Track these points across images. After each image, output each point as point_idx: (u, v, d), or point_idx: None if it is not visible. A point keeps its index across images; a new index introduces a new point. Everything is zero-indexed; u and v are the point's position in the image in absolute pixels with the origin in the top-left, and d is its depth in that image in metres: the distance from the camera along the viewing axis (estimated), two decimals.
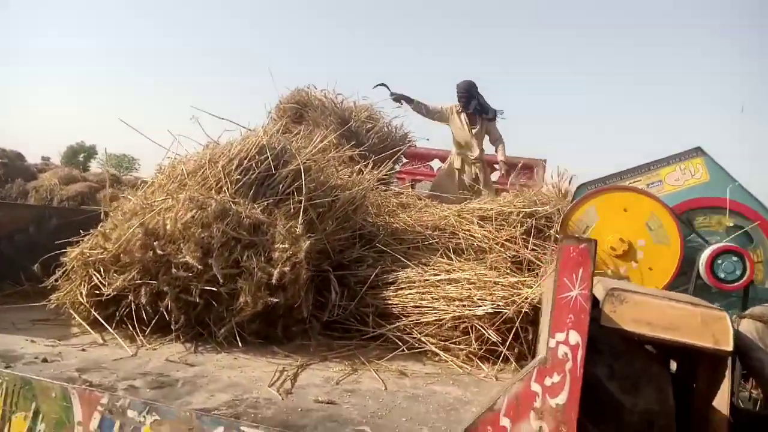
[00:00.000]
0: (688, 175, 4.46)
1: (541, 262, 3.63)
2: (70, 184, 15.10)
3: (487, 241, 3.73)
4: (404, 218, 3.94)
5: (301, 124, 4.65)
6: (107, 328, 2.40)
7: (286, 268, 2.49)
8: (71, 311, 2.49)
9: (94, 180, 16.06)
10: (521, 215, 3.94)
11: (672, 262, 3.87)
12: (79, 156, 32.71)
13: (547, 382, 1.43)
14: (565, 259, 1.46)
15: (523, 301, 2.74)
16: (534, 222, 3.90)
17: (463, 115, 6.07)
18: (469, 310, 2.75)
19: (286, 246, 2.57)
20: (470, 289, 2.90)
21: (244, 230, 2.58)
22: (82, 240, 2.67)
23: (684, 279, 4.23)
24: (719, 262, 3.87)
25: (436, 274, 3.11)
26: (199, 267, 2.36)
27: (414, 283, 3.07)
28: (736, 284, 3.85)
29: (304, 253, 2.58)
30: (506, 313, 2.71)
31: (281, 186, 3.09)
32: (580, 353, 1.42)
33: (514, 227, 3.87)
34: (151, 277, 2.39)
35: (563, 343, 1.43)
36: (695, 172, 4.45)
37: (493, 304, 2.74)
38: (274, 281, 2.41)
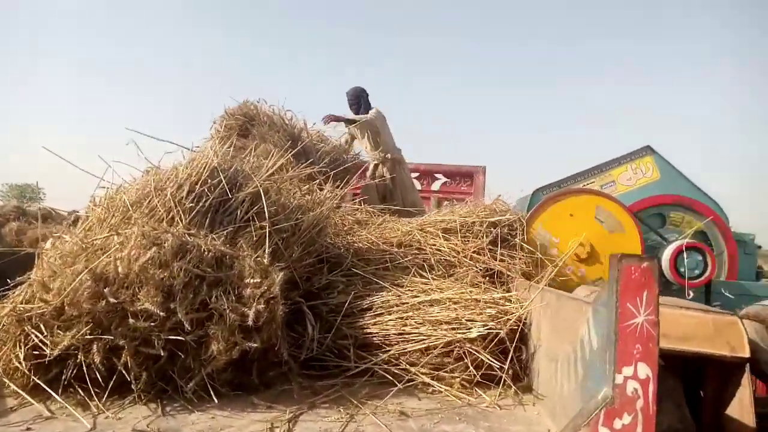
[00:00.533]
0: (640, 174, 4.50)
1: (511, 273, 3.50)
2: None
3: (455, 254, 3.56)
4: (366, 236, 3.71)
5: (246, 139, 4.33)
6: (53, 396, 2.01)
7: (261, 306, 2.19)
8: (5, 379, 2.08)
9: None
10: (485, 225, 3.80)
11: (635, 248, 3.84)
12: None
13: (617, 424, 1.25)
14: (626, 281, 1.28)
15: (516, 320, 2.58)
16: (499, 231, 3.77)
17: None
18: (461, 333, 2.55)
19: (258, 280, 2.27)
20: (456, 310, 2.70)
21: (207, 266, 2.27)
22: (10, 291, 2.27)
23: None
24: (682, 259, 3.88)
25: (415, 296, 2.90)
26: (161, 314, 2.03)
27: (393, 307, 2.84)
28: (699, 280, 3.87)
29: (278, 287, 2.30)
30: (499, 333, 2.53)
31: (239, 212, 2.79)
32: (652, 388, 1.24)
33: (479, 238, 3.72)
34: (104, 331, 2.03)
35: (632, 378, 1.26)
36: (646, 170, 4.49)
37: (484, 325, 2.56)
38: (250, 322, 2.12)
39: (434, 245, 3.64)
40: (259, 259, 2.43)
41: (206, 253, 2.31)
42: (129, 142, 2.82)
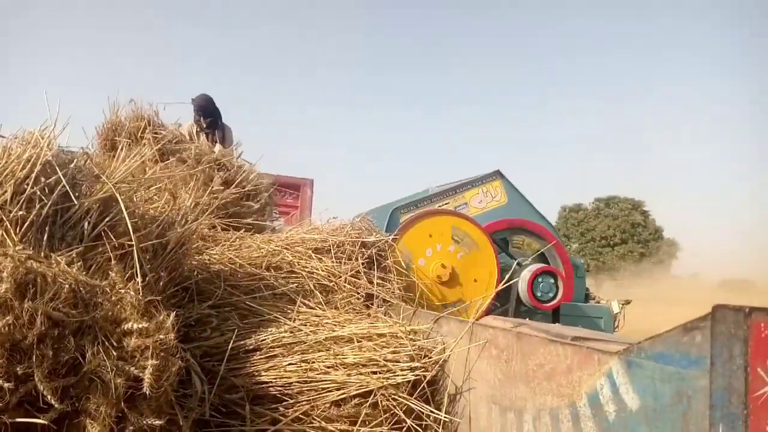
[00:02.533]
0: (490, 198, 4.56)
1: (390, 298, 3.22)
2: None
3: (333, 278, 3.15)
4: (228, 256, 3.09)
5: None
6: None
7: (154, 362, 1.56)
8: None
9: None
10: (358, 246, 3.45)
11: (491, 263, 3.83)
12: None
13: None
14: (757, 341, 1.04)
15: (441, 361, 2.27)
16: (373, 253, 3.45)
17: (202, 135, 5.26)
18: (385, 378, 2.16)
19: (144, 325, 1.62)
20: (373, 348, 2.30)
21: (65, 305, 1.55)
22: None
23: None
24: (537, 282, 3.97)
25: (313, 332, 2.42)
26: (7, 385, 1.30)
27: (288, 346, 2.33)
28: (552, 303, 4.00)
29: (174, 333, 1.67)
30: (428, 376, 2.20)
31: (86, 224, 2.04)
32: None
33: (353, 260, 3.36)
34: None
35: None
36: (495, 194, 4.57)
37: (411, 368, 2.20)
38: (146, 388, 1.47)
39: (306, 267, 3.18)
40: (134, 293, 1.76)
41: (61, 286, 1.59)
42: None
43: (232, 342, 2.26)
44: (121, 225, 2.13)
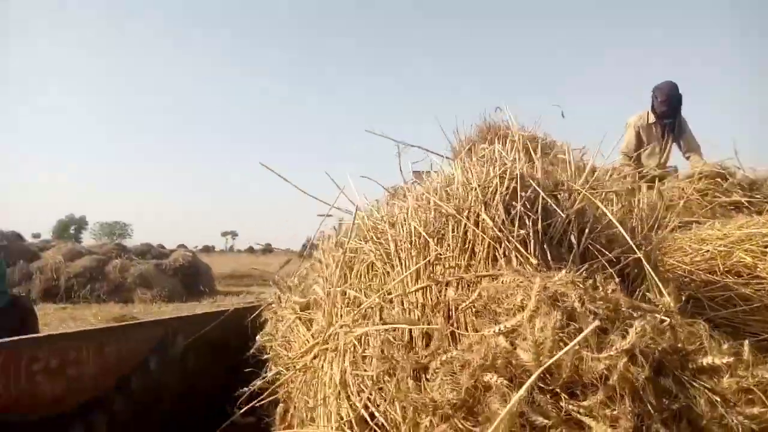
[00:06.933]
0: None
1: None
2: (75, 260, 13.68)
3: None
4: (667, 262, 2.65)
5: None
6: None
7: (762, 408, 1.19)
8: None
9: (99, 252, 14.66)
10: None
11: None
12: (69, 229, 31.39)
13: None
14: None
15: None
16: None
17: (658, 127, 4.55)
18: None
19: (730, 359, 1.27)
20: None
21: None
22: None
23: None
24: None
25: None
26: None
27: None
28: None
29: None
30: None
31: (571, 237, 1.82)
32: None
33: None
34: None
35: None
36: None
37: None
38: None
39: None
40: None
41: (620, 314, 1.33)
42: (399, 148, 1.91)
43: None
44: (601, 236, 1.88)
